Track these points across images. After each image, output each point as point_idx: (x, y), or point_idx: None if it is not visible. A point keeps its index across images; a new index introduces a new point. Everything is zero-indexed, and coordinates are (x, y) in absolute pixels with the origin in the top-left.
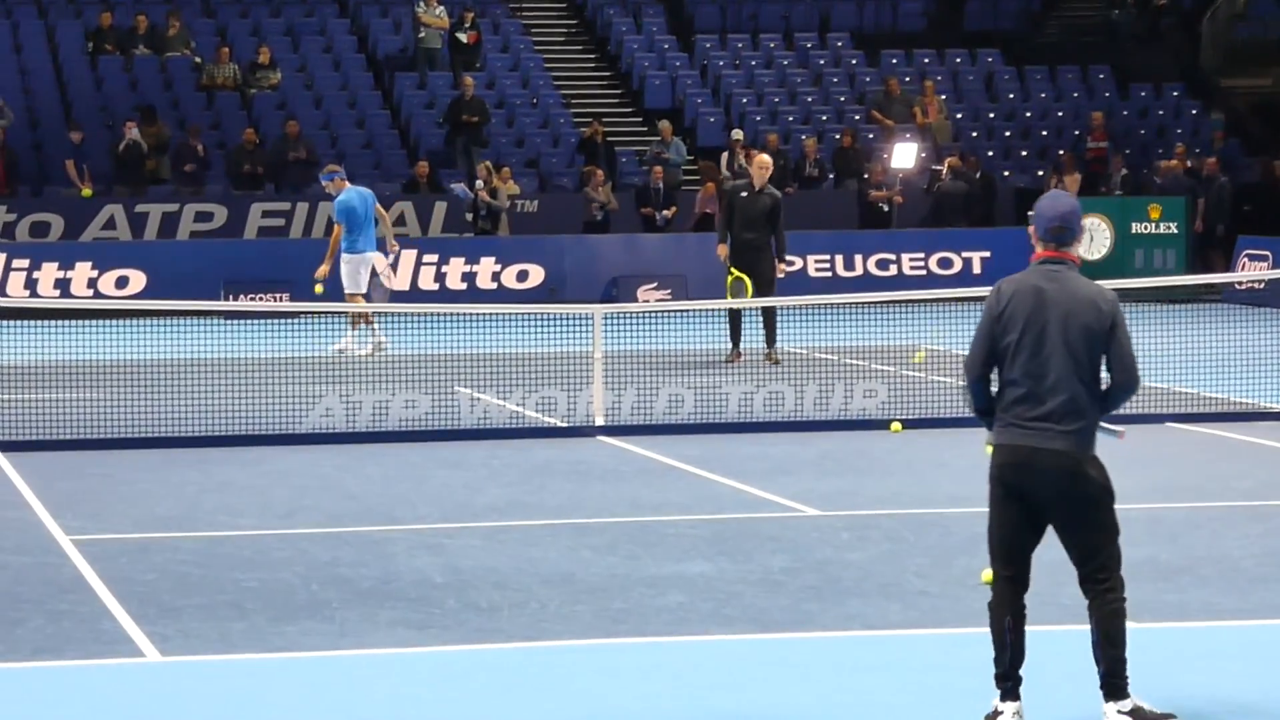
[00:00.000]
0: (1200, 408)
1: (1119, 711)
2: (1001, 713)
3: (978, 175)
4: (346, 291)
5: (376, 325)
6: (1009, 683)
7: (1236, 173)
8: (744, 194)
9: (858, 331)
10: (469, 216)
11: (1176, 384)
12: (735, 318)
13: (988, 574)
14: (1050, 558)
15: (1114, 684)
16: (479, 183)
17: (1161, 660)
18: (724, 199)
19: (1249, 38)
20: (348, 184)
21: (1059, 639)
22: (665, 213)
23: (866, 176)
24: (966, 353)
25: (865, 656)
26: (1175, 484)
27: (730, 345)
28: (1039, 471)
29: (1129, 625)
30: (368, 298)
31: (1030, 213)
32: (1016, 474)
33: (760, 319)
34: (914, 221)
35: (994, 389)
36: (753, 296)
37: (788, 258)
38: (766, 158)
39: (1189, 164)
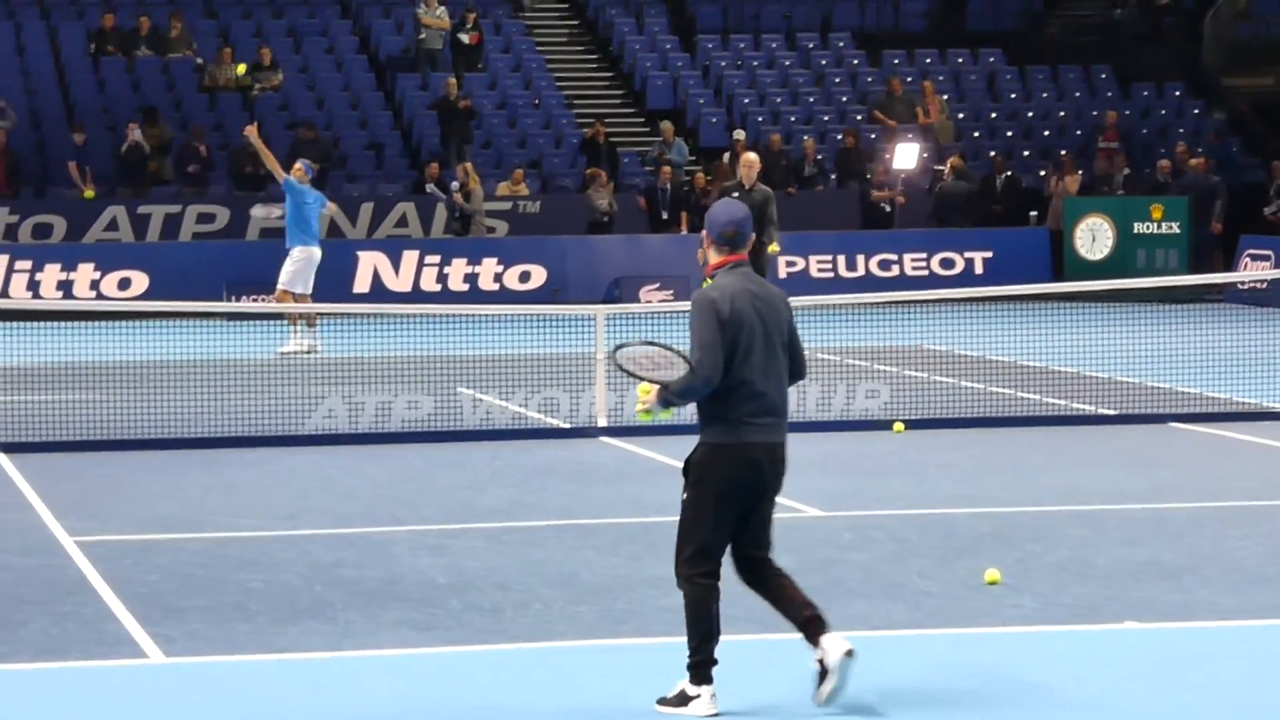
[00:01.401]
0: (1203, 408)
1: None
2: (699, 697)
3: (1004, 176)
4: (285, 287)
5: (299, 330)
6: (708, 668)
7: (1238, 172)
8: (735, 195)
9: (860, 332)
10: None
11: (1179, 384)
12: None
13: (992, 574)
14: (1052, 559)
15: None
16: (455, 184)
17: (1164, 660)
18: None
19: (1251, 37)
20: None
21: (1063, 639)
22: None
23: (869, 177)
24: (688, 372)
25: (869, 657)
26: (1178, 484)
27: None
28: (778, 464)
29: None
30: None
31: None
32: (759, 471)
33: None
34: (916, 222)
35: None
36: None
37: (776, 244)
38: (753, 156)
39: (1191, 163)
